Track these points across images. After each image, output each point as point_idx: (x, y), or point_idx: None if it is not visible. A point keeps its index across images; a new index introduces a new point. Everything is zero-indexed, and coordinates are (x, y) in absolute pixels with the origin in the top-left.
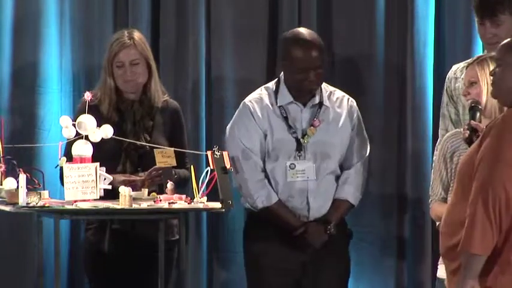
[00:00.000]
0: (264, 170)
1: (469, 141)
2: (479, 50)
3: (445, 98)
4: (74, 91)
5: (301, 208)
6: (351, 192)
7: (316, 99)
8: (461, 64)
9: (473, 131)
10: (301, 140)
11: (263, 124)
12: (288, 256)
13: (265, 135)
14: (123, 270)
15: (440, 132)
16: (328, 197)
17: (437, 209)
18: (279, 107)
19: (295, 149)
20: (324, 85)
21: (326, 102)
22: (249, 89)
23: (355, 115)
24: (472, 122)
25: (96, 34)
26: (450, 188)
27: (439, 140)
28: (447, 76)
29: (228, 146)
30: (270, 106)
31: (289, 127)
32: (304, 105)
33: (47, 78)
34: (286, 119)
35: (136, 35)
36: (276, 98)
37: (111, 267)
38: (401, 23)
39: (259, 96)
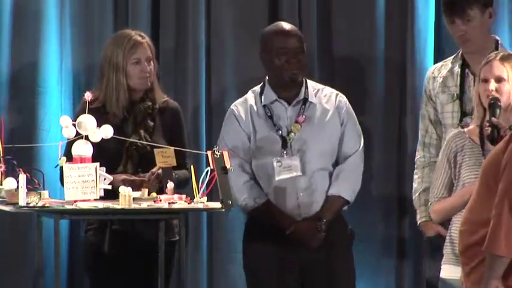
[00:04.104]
0: (252, 171)
1: (491, 139)
2: None
3: (424, 99)
4: (74, 91)
5: (292, 206)
6: (344, 187)
7: (301, 96)
8: (439, 64)
9: (495, 127)
10: (286, 137)
11: (247, 126)
12: (287, 257)
13: (249, 136)
14: (123, 271)
15: (420, 132)
16: (320, 193)
17: (438, 205)
18: (263, 106)
19: (280, 146)
20: (312, 83)
21: (312, 98)
22: (249, 89)
23: (343, 110)
24: (494, 119)
25: (96, 34)
26: (454, 188)
27: (419, 140)
28: (426, 76)
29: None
30: (255, 106)
31: (274, 125)
32: (289, 103)
33: (47, 78)
34: (270, 117)
35: (143, 34)
36: (260, 98)
37: (112, 267)
38: (402, 23)
39: (244, 99)
